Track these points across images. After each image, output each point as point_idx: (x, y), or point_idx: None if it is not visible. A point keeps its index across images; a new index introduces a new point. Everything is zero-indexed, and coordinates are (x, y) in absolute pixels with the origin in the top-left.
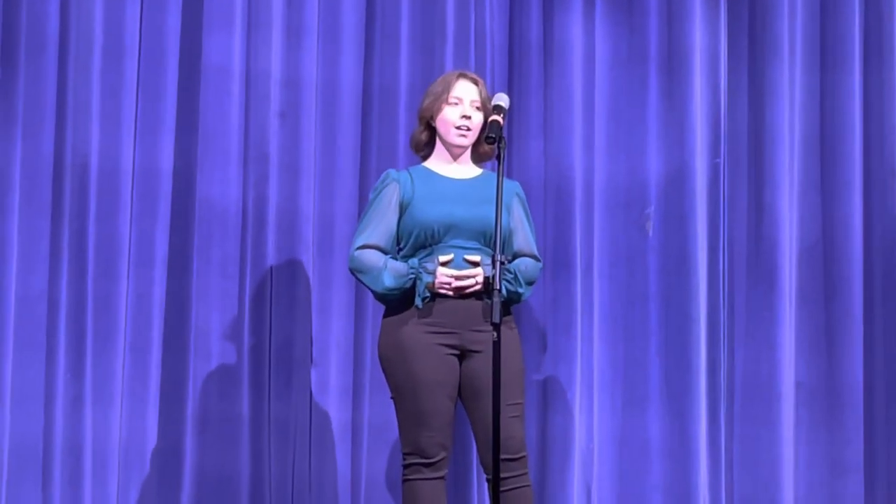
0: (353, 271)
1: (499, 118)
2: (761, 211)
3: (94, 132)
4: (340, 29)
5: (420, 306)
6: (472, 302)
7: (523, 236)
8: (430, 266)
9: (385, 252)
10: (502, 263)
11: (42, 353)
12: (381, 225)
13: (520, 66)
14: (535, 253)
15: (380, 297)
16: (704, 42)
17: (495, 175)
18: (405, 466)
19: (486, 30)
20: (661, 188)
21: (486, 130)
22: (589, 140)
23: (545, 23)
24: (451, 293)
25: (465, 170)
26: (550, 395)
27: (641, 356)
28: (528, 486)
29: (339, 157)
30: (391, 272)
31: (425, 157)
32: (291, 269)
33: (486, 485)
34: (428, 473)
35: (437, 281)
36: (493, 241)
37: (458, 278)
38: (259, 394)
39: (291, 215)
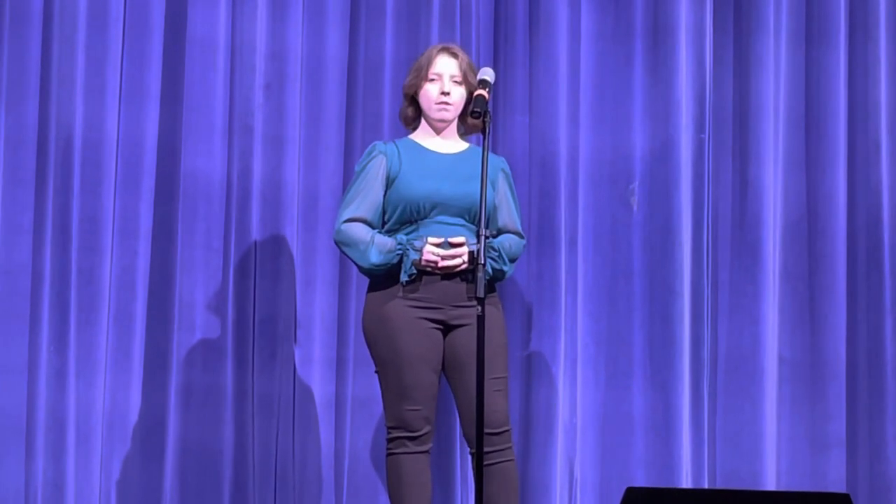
0: (339, 244)
1: (484, 92)
2: (746, 186)
3: (78, 104)
4: (326, 1)
5: (405, 282)
6: (458, 281)
7: (507, 212)
8: (417, 243)
9: (372, 226)
10: (486, 238)
11: (26, 325)
12: (368, 198)
13: (505, 40)
14: (519, 230)
15: (365, 271)
16: (690, 17)
17: (481, 150)
18: (389, 440)
19: (472, 4)
20: (646, 163)
21: (472, 105)
22: (574, 115)
23: None
24: (437, 271)
25: (452, 144)
26: (534, 370)
27: (625, 331)
28: (511, 460)
29: (324, 130)
30: (378, 247)
31: (414, 130)
32: (275, 242)
33: (469, 459)
34: (412, 447)
35: (423, 258)
36: (478, 216)
37: (443, 258)
38: (243, 367)
39: (276, 188)
